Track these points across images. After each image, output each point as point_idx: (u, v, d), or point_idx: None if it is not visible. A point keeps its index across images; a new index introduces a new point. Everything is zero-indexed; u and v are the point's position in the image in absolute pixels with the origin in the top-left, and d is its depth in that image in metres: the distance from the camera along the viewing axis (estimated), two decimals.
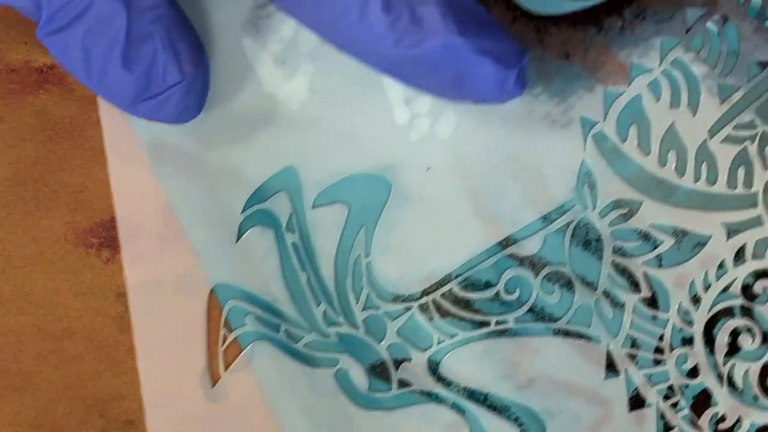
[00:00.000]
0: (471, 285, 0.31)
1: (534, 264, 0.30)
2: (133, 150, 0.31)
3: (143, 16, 0.27)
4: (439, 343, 0.31)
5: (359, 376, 0.31)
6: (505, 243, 0.31)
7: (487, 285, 0.30)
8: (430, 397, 0.31)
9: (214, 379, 0.31)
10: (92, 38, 0.27)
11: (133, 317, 0.31)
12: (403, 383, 0.31)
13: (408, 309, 0.31)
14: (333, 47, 0.28)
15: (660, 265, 0.30)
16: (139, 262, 0.31)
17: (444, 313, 0.31)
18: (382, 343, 0.31)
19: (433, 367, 0.31)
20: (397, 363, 0.31)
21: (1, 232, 0.31)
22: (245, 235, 0.31)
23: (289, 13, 0.27)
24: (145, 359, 0.31)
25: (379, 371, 0.31)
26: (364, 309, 0.31)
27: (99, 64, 0.27)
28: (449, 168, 0.31)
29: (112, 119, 0.31)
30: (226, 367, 0.31)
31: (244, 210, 0.31)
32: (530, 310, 0.30)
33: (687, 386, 0.30)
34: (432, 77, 0.27)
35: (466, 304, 0.31)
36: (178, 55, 0.27)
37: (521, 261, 0.31)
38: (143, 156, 0.31)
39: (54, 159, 0.31)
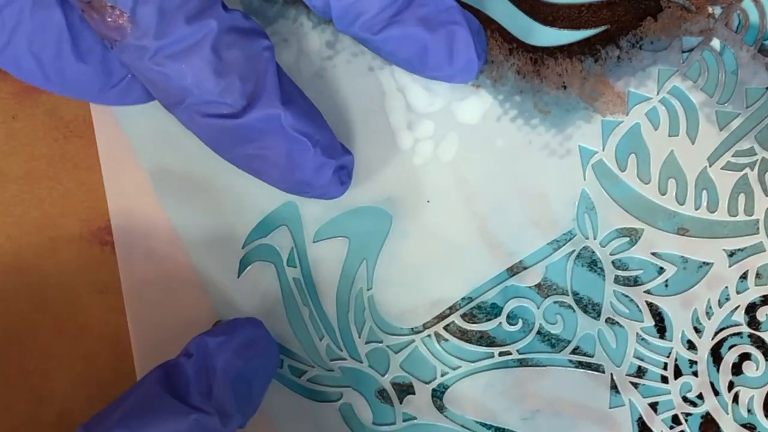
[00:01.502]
0: (474, 316, 0.31)
1: (539, 291, 0.30)
2: (124, 154, 0.31)
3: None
4: (442, 375, 0.31)
5: (363, 410, 0.31)
6: (514, 269, 0.31)
7: (492, 314, 0.30)
8: (435, 429, 0.31)
9: None
10: (38, 43, 0.27)
11: (130, 323, 0.31)
12: (407, 416, 0.31)
13: (411, 342, 0.31)
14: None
15: (666, 292, 0.30)
16: (131, 264, 0.31)
17: (447, 346, 0.31)
18: (386, 376, 0.31)
19: (437, 400, 0.31)
20: (401, 396, 0.31)
21: (16, 231, 0.31)
22: (247, 270, 0.31)
23: (130, 67, 0.26)
24: None
25: (385, 395, 0.31)
26: (366, 342, 0.31)
27: (54, 65, 0.27)
28: (453, 191, 0.31)
29: (106, 126, 0.31)
30: None
31: (245, 245, 0.31)
32: (533, 340, 0.30)
33: (690, 414, 0.30)
34: (252, 152, 0.27)
35: (469, 336, 0.31)
36: None
37: (527, 288, 0.31)
38: (134, 159, 0.31)
39: (68, 157, 0.31)
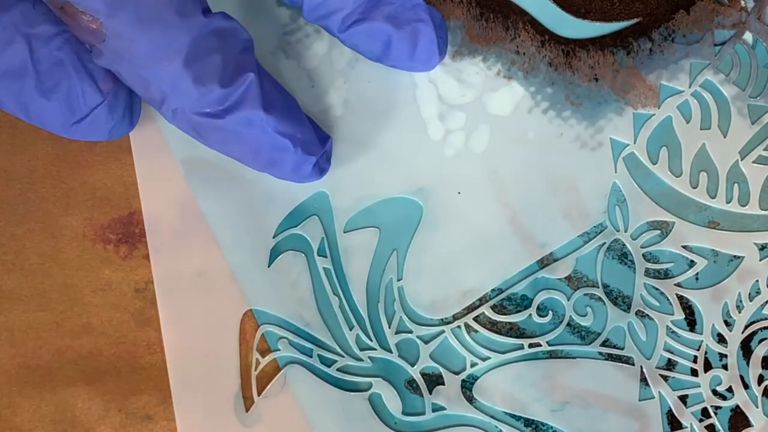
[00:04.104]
0: (504, 307, 0.31)
1: (569, 283, 0.30)
2: (156, 144, 0.31)
3: (48, 45, 0.27)
4: (472, 366, 0.31)
5: (393, 400, 0.31)
6: (544, 261, 0.31)
7: (522, 305, 0.31)
8: (464, 420, 0.31)
9: (248, 404, 0.31)
10: (3, 76, 0.27)
11: (161, 313, 0.31)
12: (436, 406, 0.31)
13: (441, 332, 0.31)
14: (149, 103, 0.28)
15: (696, 285, 0.30)
16: (162, 255, 0.31)
17: (476, 337, 0.31)
18: (415, 366, 0.31)
19: (467, 390, 0.31)
20: (431, 387, 0.31)
21: (20, 230, 0.31)
22: (278, 259, 0.31)
23: (111, 68, 0.27)
24: (178, 383, 0.31)
25: (414, 385, 0.31)
26: (396, 333, 0.31)
27: (19, 99, 0.27)
28: (484, 182, 0.31)
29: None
30: (259, 392, 0.31)
31: (276, 234, 0.31)
32: (563, 332, 0.30)
33: (720, 408, 0.30)
34: (234, 146, 0.27)
35: (499, 328, 0.31)
36: (93, 75, 0.27)
37: (557, 280, 0.31)
38: (166, 150, 0.31)
39: (72, 156, 0.31)
